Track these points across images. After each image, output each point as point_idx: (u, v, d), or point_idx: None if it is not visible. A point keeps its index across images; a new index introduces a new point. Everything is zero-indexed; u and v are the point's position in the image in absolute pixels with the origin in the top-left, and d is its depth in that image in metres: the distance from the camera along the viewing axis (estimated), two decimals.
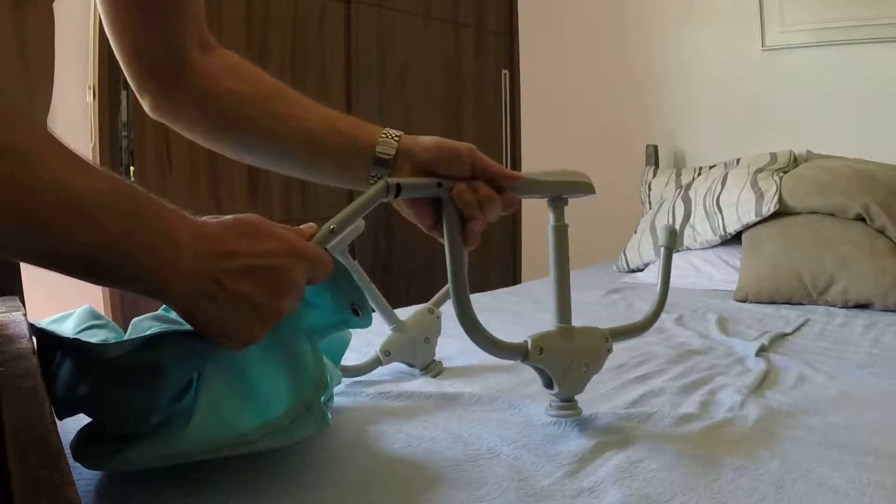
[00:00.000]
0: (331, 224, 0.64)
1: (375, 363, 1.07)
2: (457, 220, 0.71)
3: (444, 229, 0.72)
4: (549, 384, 0.80)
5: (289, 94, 0.74)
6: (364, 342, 1.20)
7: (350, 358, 1.12)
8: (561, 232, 0.80)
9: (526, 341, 0.77)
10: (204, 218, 0.55)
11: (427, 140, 0.72)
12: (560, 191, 0.79)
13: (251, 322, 0.54)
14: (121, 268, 0.48)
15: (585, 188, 0.80)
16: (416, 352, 1.08)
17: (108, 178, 0.47)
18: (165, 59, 0.70)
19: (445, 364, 1.13)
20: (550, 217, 0.80)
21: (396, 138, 0.72)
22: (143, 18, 0.68)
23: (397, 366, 1.09)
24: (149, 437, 0.57)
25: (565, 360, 0.78)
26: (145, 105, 0.74)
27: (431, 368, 1.08)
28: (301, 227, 0.63)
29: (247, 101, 0.72)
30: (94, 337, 0.65)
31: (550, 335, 0.78)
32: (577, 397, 0.83)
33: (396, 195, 0.68)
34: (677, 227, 2.13)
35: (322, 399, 0.66)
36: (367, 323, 0.70)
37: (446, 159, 0.71)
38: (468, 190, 0.70)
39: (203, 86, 0.72)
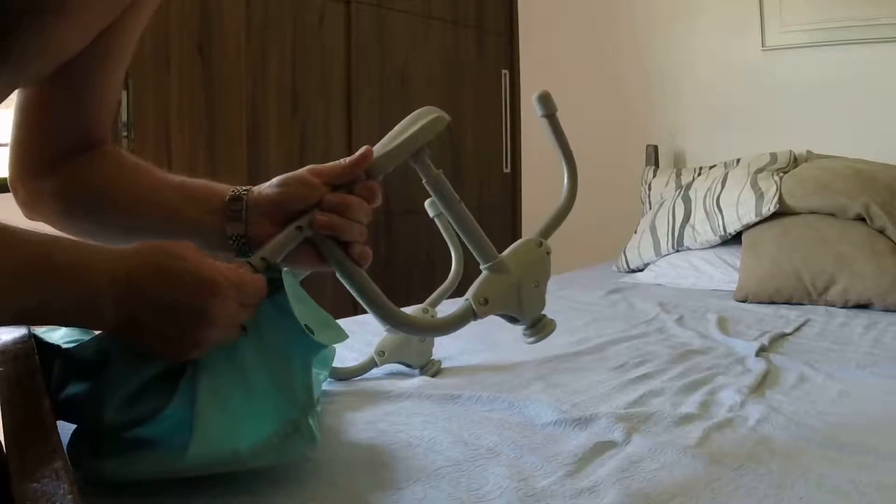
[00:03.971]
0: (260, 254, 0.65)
1: (371, 364, 1.07)
2: (337, 249, 0.67)
3: (332, 264, 0.68)
4: (512, 320, 0.76)
5: (145, 166, 0.75)
6: (363, 342, 1.20)
7: (348, 359, 1.12)
8: (438, 181, 0.74)
9: (466, 301, 0.73)
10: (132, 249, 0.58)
11: (271, 181, 0.70)
12: (413, 146, 0.72)
13: (171, 351, 0.58)
14: (44, 322, 0.58)
15: (435, 124, 0.72)
16: (412, 352, 1.08)
17: (25, 251, 0.52)
18: (53, 152, 0.71)
19: (445, 364, 1.12)
20: (421, 174, 0.74)
21: (245, 191, 0.70)
22: (50, 109, 0.70)
23: (396, 366, 1.09)
24: (144, 451, 0.60)
25: (512, 293, 0.75)
26: (18, 200, 0.75)
27: (429, 368, 1.08)
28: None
29: (105, 182, 0.72)
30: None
31: (485, 280, 0.74)
32: (578, 396, 0.83)
33: (269, 267, 0.64)
34: (677, 227, 2.13)
35: (310, 419, 0.66)
36: (331, 340, 0.70)
37: (294, 191, 0.68)
38: (321, 214, 0.66)
39: (71, 181, 0.72)
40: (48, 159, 0.71)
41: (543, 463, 0.74)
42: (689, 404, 0.94)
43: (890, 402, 0.97)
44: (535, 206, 2.92)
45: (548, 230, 0.84)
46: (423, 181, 0.73)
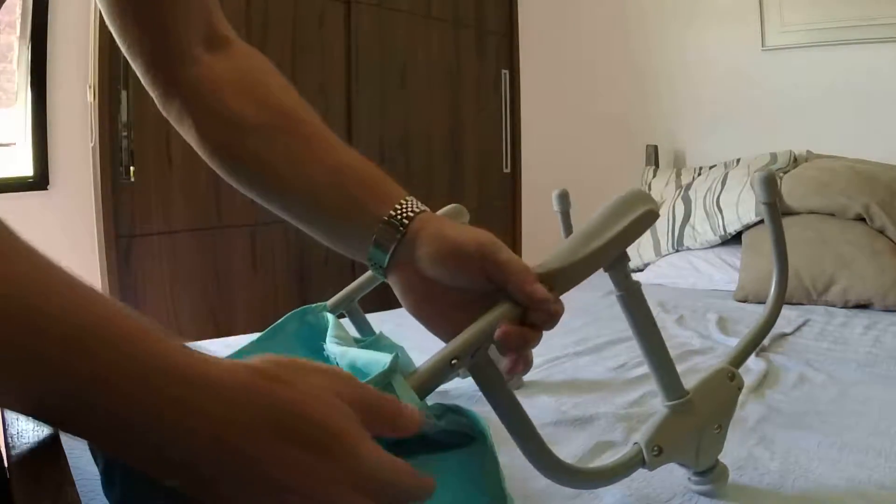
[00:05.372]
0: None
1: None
2: (495, 383, 0.53)
3: (486, 397, 0.54)
4: (683, 464, 0.65)
5: (303, 127, 0.58)
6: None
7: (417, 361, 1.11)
8: (632, 296, 0.60)
9: (636, 446, 0.61)
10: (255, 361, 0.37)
11: (432, 235, 0.52)
12: (618, 249, 0.56)
13: None
14: (73, 427, 0.33)
15: (644, 221, 0.55)
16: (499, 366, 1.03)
17: (104, 306, 0.34)
18: (161, 56, 0.58)
19: None
20: (613, 283, 0.60)
21: (407, 219, 0.53)
22: (135, 7, 0.56)
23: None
24: None
25: (692, 440, 0.62)
26: (157, 102, 0.62)
27: (514, 384, 1.05)
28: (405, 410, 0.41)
29: (249, 130, 0.57)
30: None
31: (664, 424, 0.62)
32: (578, 396, 0.82)
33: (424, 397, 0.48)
34: (677, 227, 2.12)
35: None
36: None
37: (453, 267, 0.51)
38: (514, 360, 0.51)
39: (204, 96, 0.58)
40: (156, 73, 0.58)
41: None
42: None
43: (890, 402, 0.96)
44: (535, 207, 2.92)
45: (742, 356, 0.71)
46: (616, 294, 0.60)
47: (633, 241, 0.56)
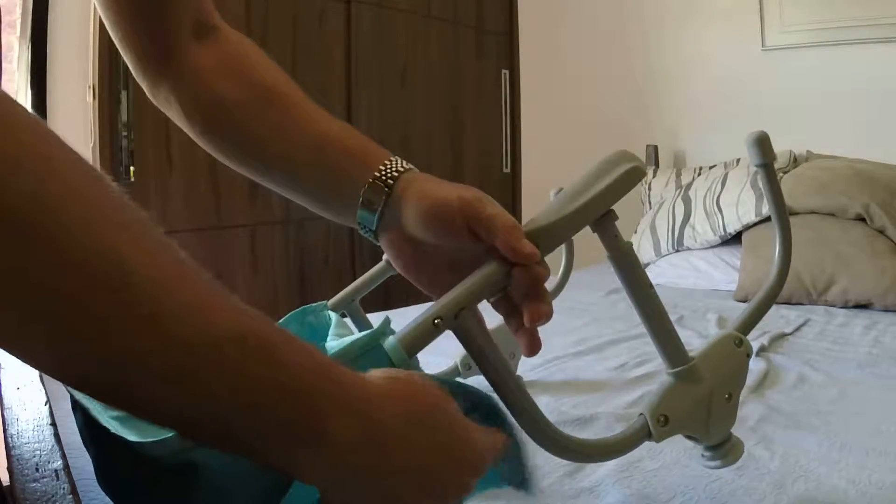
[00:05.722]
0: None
1: (454, 374, 0.99)
2: (482, 346, 0.50)
3: (474, 360, 0.51)
4: (690, 437, 0.61)
5: (284, 100, 0.59)
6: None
7: (429, 363, 1.11)
8: (622, 256, 0.57)
9: (641, 417, 0.57)
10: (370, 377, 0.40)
11: (417, 195, 0.52)
12: (601, 207, 0.54)
13: None
14: (232, 443, 0.35)
15: (630, 178, 0.54)
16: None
17: (234, 312, 0.35)
18: (152, 47, 0.58)
19: (442, 365, 1.12)
20: (603, 244, 0.57)
21: (388, 186, 0.53)
22: (127, 2, 0.57)
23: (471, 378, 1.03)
24: None
25: (701, 409, 0.59)
26: (145, 90, 0.63)
27: None
28: None
29: (232, 107, 0.58)
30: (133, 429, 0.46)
31: (669, 392, 0.58)
32: (579, 396, 0.82)
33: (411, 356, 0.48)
34: (677, 227, 2.12)
35: None
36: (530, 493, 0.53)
37: (438, 227, 0.51)
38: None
39: (190, 82, 0.59)
40: (146, 64, 0.59)
41: (543, 463, 0.74)
42: None
43: (890, 402, 0.96)
44: (536, 207, 2.92)
45: (750, 322, 0.67)
46: (607, 255, 0.57)
47: (618, 198, 0.55)
